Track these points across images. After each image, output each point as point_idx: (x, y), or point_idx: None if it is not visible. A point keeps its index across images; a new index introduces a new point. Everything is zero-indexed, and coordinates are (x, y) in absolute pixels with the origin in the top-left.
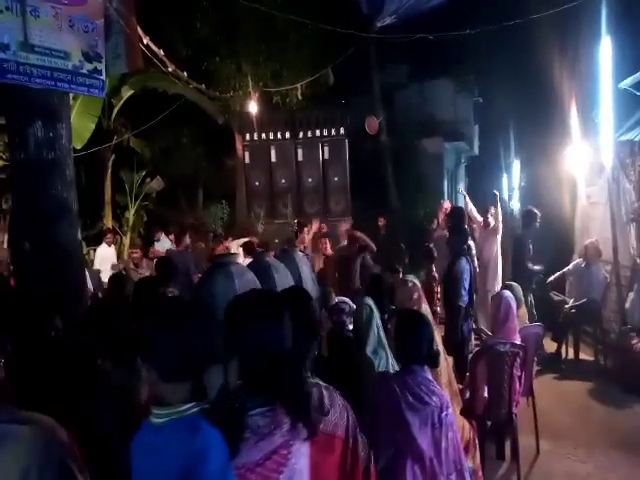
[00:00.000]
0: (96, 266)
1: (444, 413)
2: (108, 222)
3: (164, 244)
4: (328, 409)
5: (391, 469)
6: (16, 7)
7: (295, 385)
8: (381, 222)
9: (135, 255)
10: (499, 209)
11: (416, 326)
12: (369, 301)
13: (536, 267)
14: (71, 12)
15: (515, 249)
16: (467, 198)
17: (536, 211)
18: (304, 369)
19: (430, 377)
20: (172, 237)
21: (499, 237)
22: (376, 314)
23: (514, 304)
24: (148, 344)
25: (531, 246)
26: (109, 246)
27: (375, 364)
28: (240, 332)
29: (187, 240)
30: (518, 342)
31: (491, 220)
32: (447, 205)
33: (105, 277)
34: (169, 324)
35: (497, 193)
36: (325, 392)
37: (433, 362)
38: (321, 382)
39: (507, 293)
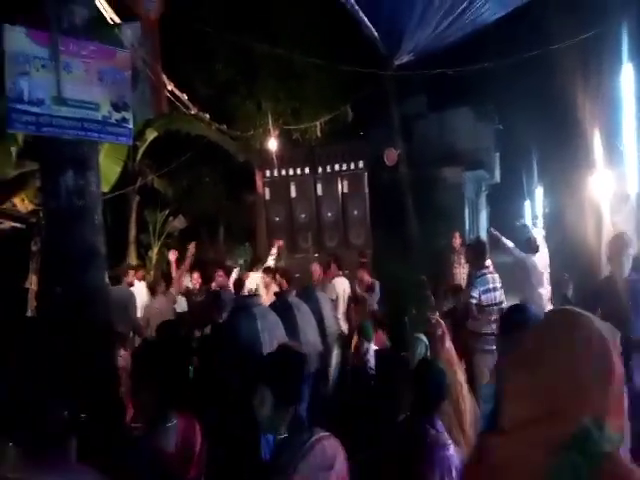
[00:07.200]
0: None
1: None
2: (132, 261)
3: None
4: (333, 462)
5: None
6: (51, 65)
7: None
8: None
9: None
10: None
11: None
12: (424, 338)
13: None
14: (101, 65)
15: None
16: (498, 235)
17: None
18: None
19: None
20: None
21: None
22: (429, 353)
23: None
24: None
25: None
26: (139, 281)
27: None
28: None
29: (219, 279)
30: None
31: None
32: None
33: (139, 311)
34: None
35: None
36: (326, 442)
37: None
38: (320, 430)
39: None
